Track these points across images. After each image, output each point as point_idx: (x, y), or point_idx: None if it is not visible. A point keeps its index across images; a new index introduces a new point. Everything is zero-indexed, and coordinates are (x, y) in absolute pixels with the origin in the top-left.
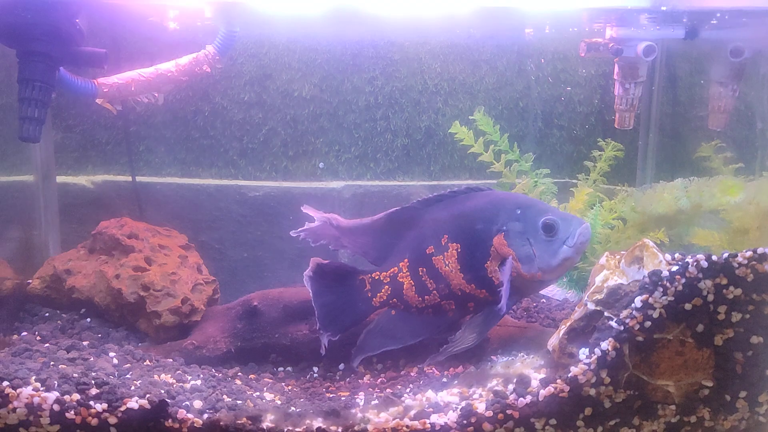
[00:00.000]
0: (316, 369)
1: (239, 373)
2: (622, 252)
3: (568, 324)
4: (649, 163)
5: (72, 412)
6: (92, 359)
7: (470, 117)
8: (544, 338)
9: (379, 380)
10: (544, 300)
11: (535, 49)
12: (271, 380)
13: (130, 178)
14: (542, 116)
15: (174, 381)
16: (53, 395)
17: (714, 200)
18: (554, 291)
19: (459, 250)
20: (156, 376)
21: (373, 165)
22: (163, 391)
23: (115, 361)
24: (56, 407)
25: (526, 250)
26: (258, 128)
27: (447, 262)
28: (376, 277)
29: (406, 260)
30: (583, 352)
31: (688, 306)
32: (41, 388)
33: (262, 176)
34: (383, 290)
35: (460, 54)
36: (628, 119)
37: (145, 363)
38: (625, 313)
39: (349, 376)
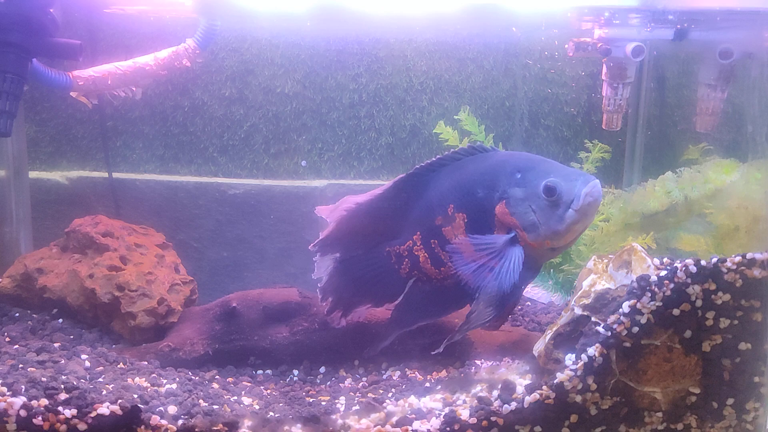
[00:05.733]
0: (296, 372)
1: (216, 377)
2: (610, 256)
3: (554, 329)
4: (636, 164)
5: (39, 418)
6: (63, 362)
7: (455, 117)
8: (529, 342)
9: (361, 384)
10: (528, 303)
11: (523, 48)
12: (249, 384)
13: (106, 175)
14: (529, 116)
15: (148, 385)
16: (20, 400)
17: (708, 185)
18: (539, 294)
19: (465, 221)
20: (130, 380)
21: (356, 164)
22: (136, 396)
23: (87, 363)
24: (23, 413)
25: (529, 218)
26: (239, 125)
27: (456, 233)
28: (397, 251)
29: (418, 233)
30: (569, 358)
31: (676, 311)
32: (7, 393)
33: (243, 174)
34: (404, 263)
35: (447, 52)
36: (616, 120)
37: (118, 366)
38: (612, 318)
39: (330, 379)
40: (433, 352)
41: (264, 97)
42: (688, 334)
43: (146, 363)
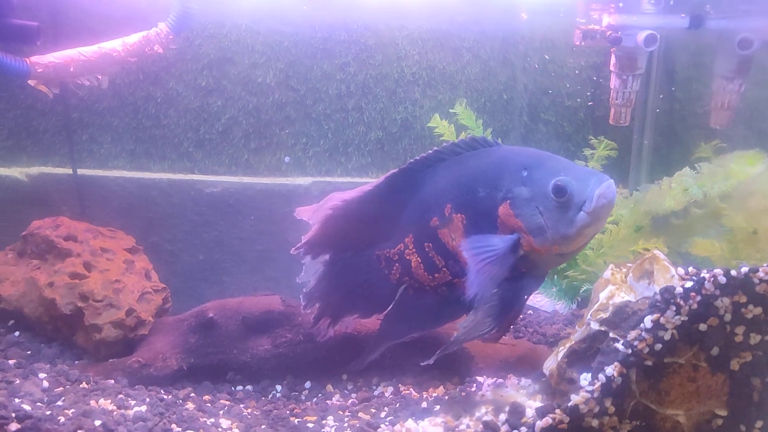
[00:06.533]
0: (279, 388)
1: (192, 395)
2: (629, 264)
3: (567, 345)
4: (644, 163)
5: None
6: (18, 382)
7: (451, 110)
8: (535, 357)
9: (350, 401)
10: (531, 311)
11: (523, 37)
12: (228, 402)
13: (70, 171)
14: (528, 110)
15: (114, 408)
16: None
17: (729, 180)
18: (543, 302)
19: (464, 222)
20: (93, 402)
21: (344, 160)
22: (98, 423)
23: (46, 384)
24: None
25: (536, 221)
26: (217, 117)
27: (453, 236)
28: (387, 254)
29: (411, 235)
30: (584, 378)
31: (703, 326)
32: None
33: (221, 170)
34: (395, 268)
35: (441, 40)
36: (625, 115)
37: (81, 386)
38: (633, 334)
39: (316, 395)
40: (422, 363)
41: (244, 87)
42: (715, 351)
43: (113, 381)
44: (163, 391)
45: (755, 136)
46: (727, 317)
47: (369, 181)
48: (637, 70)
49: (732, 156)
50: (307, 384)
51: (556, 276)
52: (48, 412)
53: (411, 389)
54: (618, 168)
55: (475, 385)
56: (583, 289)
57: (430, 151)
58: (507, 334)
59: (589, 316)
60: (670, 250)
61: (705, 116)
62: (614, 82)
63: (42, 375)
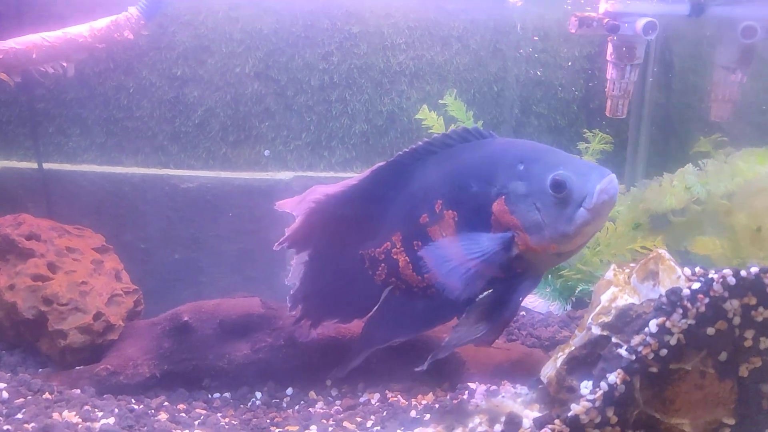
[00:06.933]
0: (259, 395)
1: (165, 404)
2: (632, 264)
3: (567, 351)
4: (640, 157)
5: None
6: None
7: (440, 101)
8: (530, 362)
9: (334, 409)
10: (524, 313)
11: (514, 25)
12: (204, 411)
13: (35, 166)
14: (519, 102)
15: (79, 420)
16: None
17: (736, 179)
18: (536, 303)
19: (456, 220)
20: (56, 415)
21: (327, 154)
22: None
23: (5, 394)
24: None
25: (533, 218)
26: (193, 109)
27: (444, 234)
28: (372, 254)
29: (398, 233)
30: (585, 386)
31: (711, 330)
32: None
33: (197, 165)
34: (380, 269)
35: (429, 28)
36: (622, 107)
37: (44, 396)
38: (637, 339)
39: (298, 403)
40: (416, 369)
41: (221, 77)
42: (723, 356)
43: (79, 391)
44: (133, 401)
45: (756, 130)
46: (736, 320)
47: (353, 176)
48: (636, 59)
49: (740, 153)
50: (289, 391)
51: (550, 275)
52: (6, 427)
53: (399, 396)
54: (613, 162)
55: (467, 392)
56: (578, 289)
57: (420, 143)
58: (500, 337)
59: (589, 320)
60: (669, 249)
61: (704, 109)
62: (612, 72)
63: (2, 385)
